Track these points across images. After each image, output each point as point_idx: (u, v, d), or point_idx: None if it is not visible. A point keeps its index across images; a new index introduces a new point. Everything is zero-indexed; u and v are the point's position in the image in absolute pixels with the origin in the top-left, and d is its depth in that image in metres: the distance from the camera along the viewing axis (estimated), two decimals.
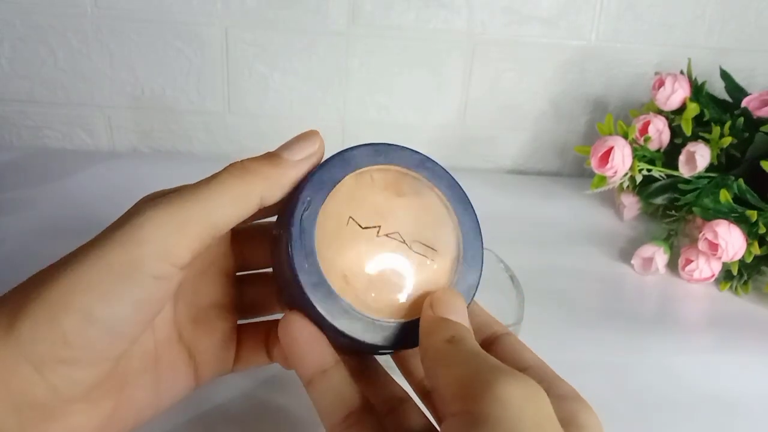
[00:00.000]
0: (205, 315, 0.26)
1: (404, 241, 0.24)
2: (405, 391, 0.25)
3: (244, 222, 0.24)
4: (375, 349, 0.23)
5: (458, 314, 0.22)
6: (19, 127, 0.62)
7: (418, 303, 0.23)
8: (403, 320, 0.23)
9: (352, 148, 0.25)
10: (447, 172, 0.26)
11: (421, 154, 0.26)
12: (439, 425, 0.22)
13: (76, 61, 0.60)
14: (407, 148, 0.25)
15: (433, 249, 0.24)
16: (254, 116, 0.63)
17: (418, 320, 0.23)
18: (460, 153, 0.65)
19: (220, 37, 0.59)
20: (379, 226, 0.24)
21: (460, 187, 0.26)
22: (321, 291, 0.22)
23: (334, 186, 0.24)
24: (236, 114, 0.63)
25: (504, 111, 0.64)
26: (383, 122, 0.63)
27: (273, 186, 0.23)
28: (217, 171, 0.23)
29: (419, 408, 0.24)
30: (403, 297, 0.24)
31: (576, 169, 0.67)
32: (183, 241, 0.21)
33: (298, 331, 0.23)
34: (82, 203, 0.51)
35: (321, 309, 0.22)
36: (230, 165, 0.23)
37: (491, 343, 0.24)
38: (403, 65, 0.61)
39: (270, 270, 0.27)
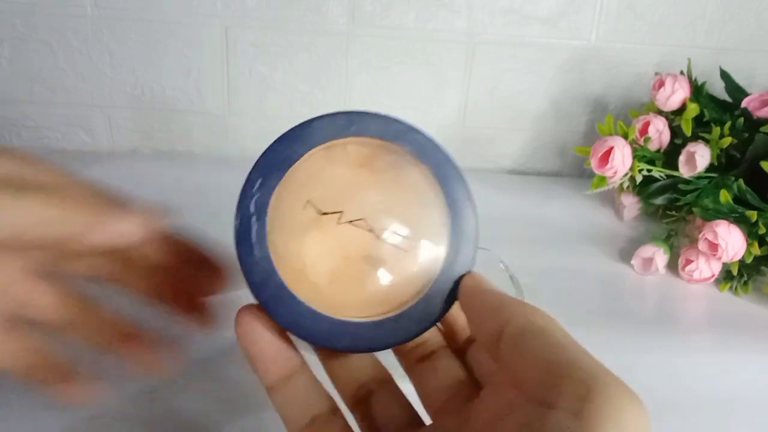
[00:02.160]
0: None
1: (371, 230, 0.21)
2: (387, 371, 0.23)
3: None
4: (335, 349, 0.21)
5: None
6: (19, 127, 0.62)
7: (389, 299, 0.21)
8: (369, 319, 0.21)
9: (318, 117, 0.21)
10: (436, 143, 0.22)
11: (403, 122, 0.22)
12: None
13: (76, 61, 0.60)
14: (387, 116, 0.22)
15: (408, 237, 0.21)
16: (254, 116, 0.63)
17: (388, 319, 0.21)
18: (460, 153, 0.65)
19: (220, 37, 0.59)
20: (341, 212, 0.21)
21: (452, 161, 0.22)
22: (270, 286, 0.20)
23: (294, 162, 0.21)
24: (236, 114, 0.63)
25: (504, 111, 0.64)
26: None
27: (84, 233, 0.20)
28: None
29: (400, 392, 0.23)
30: (370, 293, 0.21)
31: (576, 170, 0.67)
32: None
33: (259, 334, 0.20)
34: None
35: (270, 306, 0.20)
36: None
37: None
38: (403, 65, 0.61)
39: None
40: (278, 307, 0.20)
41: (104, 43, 0.59)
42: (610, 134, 0.51)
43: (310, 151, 0.21)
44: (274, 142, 0.21)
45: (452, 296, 0.22)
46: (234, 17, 0.58)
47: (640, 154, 0.51)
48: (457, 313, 0.23)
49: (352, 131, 0.21)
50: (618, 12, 0.60)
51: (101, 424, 0.29)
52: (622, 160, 0.49)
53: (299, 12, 0.58)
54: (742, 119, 0.49)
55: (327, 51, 0.60)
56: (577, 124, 0.65)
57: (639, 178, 0.51)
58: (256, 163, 0.21)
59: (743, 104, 0.51)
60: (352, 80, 0.61)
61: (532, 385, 0.17)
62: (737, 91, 0.54)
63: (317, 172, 0.21)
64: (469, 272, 0.22)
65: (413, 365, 0.23)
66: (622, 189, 0.54)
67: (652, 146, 0.52)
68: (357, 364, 0.23)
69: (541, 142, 0.66)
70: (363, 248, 0.21)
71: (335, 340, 0.20)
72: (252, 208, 0.20)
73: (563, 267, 0.48)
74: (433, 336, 0.23)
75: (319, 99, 0.62)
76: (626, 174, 0.50)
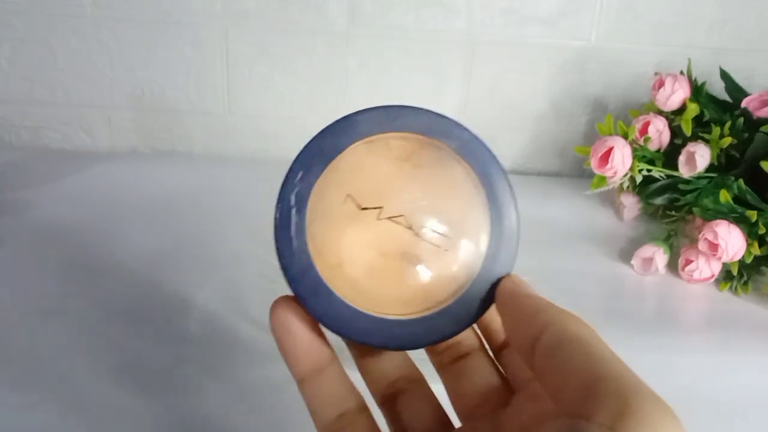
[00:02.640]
0: None
1: (411, 227, 0.21)
2: (419, 371, 0.23)
3: None
4: (369, 345, 0.21)
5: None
6: (19, 127, 0.62)
7: (425, 298, 0.21)
8: (404, 316, 0.21)
9: (361, 111, 0.21)
10: (481, 141, 0.22)
11: (448, 118, 0.22)
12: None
13: (76, 61, 0.60)
14: (431, 112, 0.22)
15: (447, 236, 0.21)
16: (254, 116, 0.63)
17: (424, 318, 0.21)
18: None
19: (220, 37, 0.59)
20: (381, 207, 0.21)
21: (496, 160, 0.22)
22: (307, 279, 0.20)
23: (336, 155, 0.21)
24: (236, 114, 0.63)
25: (504, 111, 0.64)
26: None
27: None
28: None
29: (431, 392, 0.23)
30: (407, 290, 0.21)
31: (576, 170, 0.67)
32: None
33: (293, 325, 0.20)
34: (82, 203, 0.51)
35: (306, 299, 0.20)
36: None
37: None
38: (403, 65, 0.61)
39: None
40: (314, 301, 0.20)
41: (104, 43, 0.59)
42: (610, 134, 0.51)
43: (352, 145, 0.21)
44: (317, 134, 0.21)
45: (490, 298, 0.21)
46: (234, 17, 0.58)
47: (640, 154, 0.51)
48: (492, 314, 0.22)
49: (395, 126, 0.21)
50: (618, 12, 0.60)
51: None
52: (622, 160, 0.49)
53: (299, 12, 0.58)
54: (742, 119, 0.49)
55: (326, 51, 0.60)
56: (577, 124, 0.65)
57: (639, 178, 0.51)
58: (298, 155, 0.21)
59: (743, 104, 0.51)
60: (352, 80, 0.61)
61: (566, 396, 0.17)
62: (737, 91, 0.54)
63: (358, 166, 0.21)
64: (508, 274, 0.22)
65: (446, 366, 0.23)
66: (622, 189, 0.54)
67: (652, 146, 0.52)
68: (389, 361, 0.23)
69: (541, 142, 0.66)
70: (401, 245, 0.21)
71: (369, 337, 0.20)
72: (292, 200, 0.20)
73: (563, 267, 0.48)
74: (467, 337, 0.23)
75: (319, 99, 0.62)
76: (626, 174, 0.50)
